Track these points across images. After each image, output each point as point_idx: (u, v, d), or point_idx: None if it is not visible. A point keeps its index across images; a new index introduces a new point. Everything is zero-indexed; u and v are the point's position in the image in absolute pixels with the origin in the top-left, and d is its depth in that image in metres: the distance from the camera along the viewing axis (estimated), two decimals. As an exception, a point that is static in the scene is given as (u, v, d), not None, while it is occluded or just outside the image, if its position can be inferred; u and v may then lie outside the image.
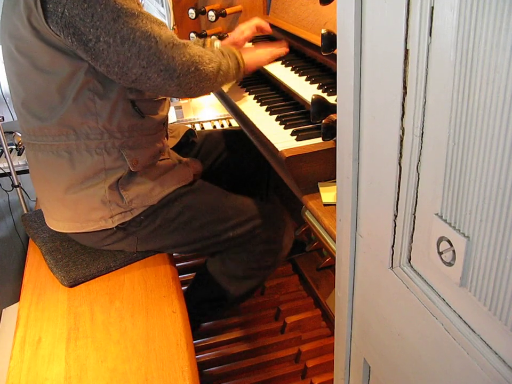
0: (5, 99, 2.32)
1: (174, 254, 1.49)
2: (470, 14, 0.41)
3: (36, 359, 1.07)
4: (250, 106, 1.32)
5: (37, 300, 1.24)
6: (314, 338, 1.67)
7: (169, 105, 1.39)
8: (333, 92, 1.16)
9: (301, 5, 1.43)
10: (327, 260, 1.85)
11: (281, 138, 1.09)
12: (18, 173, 1.88)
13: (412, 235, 0.59)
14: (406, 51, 0.51)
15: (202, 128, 2.12)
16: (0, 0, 1.17)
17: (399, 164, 0.57)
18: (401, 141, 0.55)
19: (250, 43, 1.58)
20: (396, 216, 0.60)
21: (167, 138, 1.44)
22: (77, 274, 1.27)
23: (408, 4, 0.48)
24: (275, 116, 1.21)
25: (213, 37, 1.71)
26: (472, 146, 0.44)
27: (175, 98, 2.43)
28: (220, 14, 1.69)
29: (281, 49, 1.46)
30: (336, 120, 0.72)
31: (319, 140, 1.04)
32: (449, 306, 0.54)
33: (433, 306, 0.56)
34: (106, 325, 1.14)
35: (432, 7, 0.46)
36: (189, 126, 1.65)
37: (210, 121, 2.18)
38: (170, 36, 1.11)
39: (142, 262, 1.34)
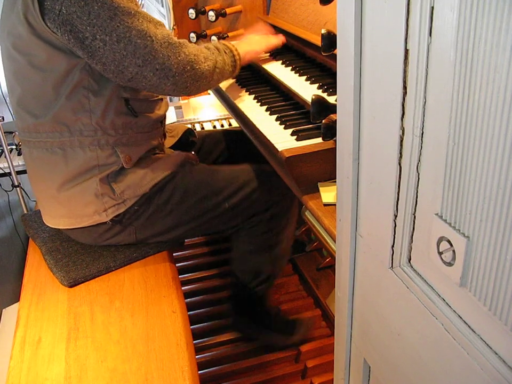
0: (5, 99, 2.32)
1: (174, 254, 1.49)
2: (470, 14, 0.41)
3: (36, 359, 1.07)
4: (250, 106, 1.32)
5: (37, 299, 1.24)
6: (314, 338, 1.67)
7: (167, 105, 1.39)
8: (333, 92, 1.16)
9: (301, 5, 1.43)
10: (327, 260, 1.85)
11: (281, 138, 1.09)
12: (18, 173, 1.88)
13: (412, 235, 0.59)
14: (406, 51, 0.51)
15: (202, 128, 2.12)
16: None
17: (399, 164, 0.57)
18: (401, 141, 0.55)
19: None
20: (396, 216, 0.60)
21: (165, 137, 1.44)
22: (76, 274, 1.27)
23: (408, 4, 0.48)
24: (275, 116, 1.21)
25: (213, 37, 1.72)
26: (472, 146, 0.44)
27: (175, 98, 2.44)
28: (219, 14, 1.69)
29: (278, 38, 1.45)
30: (336, 120, 0.72)
31: (319, 140, 1.04)
32: (449, 306, 0.54)
33: (433, 306, 0.56)
34: (106, 325, 1.14)
35: (432, 7, 0.46)
36: (189, 126, 1.65)
37: (210, 121, 2.18)
38: (167, 35, 1.11)
39: (142, 262, 1.34)
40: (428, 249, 0.55)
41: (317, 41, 1.26)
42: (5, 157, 1.81)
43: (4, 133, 1.77)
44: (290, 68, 1.38)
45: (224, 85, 1.47)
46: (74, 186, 1.22)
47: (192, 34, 1.78)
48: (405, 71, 0.51)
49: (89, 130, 1.17)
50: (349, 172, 0.68)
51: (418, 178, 0.55)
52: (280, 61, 1.44)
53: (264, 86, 1.44)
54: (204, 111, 2.26)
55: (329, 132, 0.93)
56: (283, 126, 1.15)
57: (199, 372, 1.43)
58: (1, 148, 1.89)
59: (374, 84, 0.58)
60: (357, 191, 0.68)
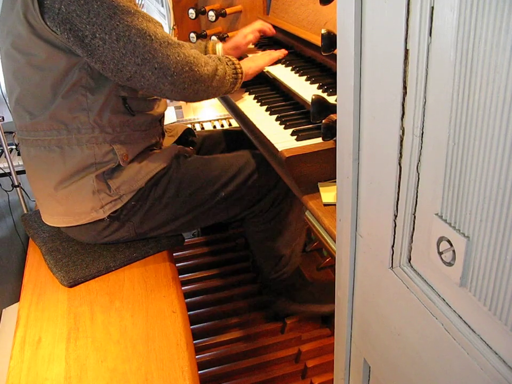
0: (5, 99, 2.32)
1: (174, 254, 1.49)
2: (470, 14, 0.41)
3: (36, 359, 1.07)
4: (250, 106, 1.32)
5: (37, 299, 1.24)
6: (314, 338, 1.67)
7: (166, 103, 1.39)
8: (333, 92, 1.16)
9: (301, 5, 1.43)
10: (327, 260, 1.85)
11: (281, 138, 1.09)
12: (18, 173, 1.88)
13: (412, 235, 0.59)
14: (406, 51, 0.51)
15: (202, 128, 2.12)
16: (0, -1, 1.17)
17: (399, 164, 0.57)
18: (401, 141, 0.55)
19: (260, 50, 1.57)
20: (396, 216, 0.60)
21: (163, 136, 1.44)
22: (76, 274, 1.27)
23: (408, 4, 0.48)
24: (275, 116, 1.21)
25: (213, 37, 1.72)
26: (472, 146, 0.44)
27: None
28: (219, 14, 1.69)
29: (280, 52, 1.46)
30: (336, 120, 0.72)
31: (319, 140, 1.04)
32: (449, 306, 0.54)
33: (433, 306, 0.56)
34: (106, 325, 1.14)
35: (432, 7, 0.46)
36: (189, 125, 1.65)
37: (210, 121, 2.18)
38: (166, 35, 1.12)
39: (142, 262, 1.34)
40: (428, 249, 0.55)
41: (317, 41, 1.26)
42: (5, 157, 1.81)
43: (4, 133, 1.77)
44: (290, 68, 1.38)
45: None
46: (71, 184, 1.22)
47: (192, 34, 1.78)
48: (405, 71, 0.51)
49: (87, 128, 1.18)
50: (349, 172, 0.68)
51: (418, 178, 0.55)
52: (280, 61, 1.44)
53: (264, 86, 1.44)
54: (204, 111, 2.27)
55: (329, 132, 0.93)
56: (283, 126, 1.15)
57: (199, 372, 1.43)
58: (1, 148, 1.89)
59: (374, 84, 0.58)
60: (357, 191, 0.68)
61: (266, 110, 1.27)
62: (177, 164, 1.34)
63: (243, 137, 1.55)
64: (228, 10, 1.69)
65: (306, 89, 1.23)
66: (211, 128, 2.12)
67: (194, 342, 1.25)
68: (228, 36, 1.70)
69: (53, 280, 1.29)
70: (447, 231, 0.50)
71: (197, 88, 1.19)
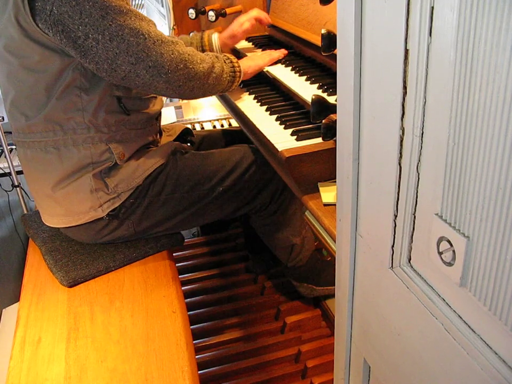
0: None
1: (174, 254, 1.48)
2: (470, 14, 0.41)
3: (36, 359, 1.07)
4: (250, 106, 1.32)
5: (36, 299, 1.24)
6: (314, 338, 1.67)
7: (162, 101, 1.39)
8: (333, 92, 1.16)
9: (301, 5, 1.43)
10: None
11: (281, 138, 1.09)
12: (18, 173, 1.88)
13: (412, 235, 0.59)
14: (406, 51, 0.51)
15: (202, 128, 2.12)
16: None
17: (399, 164, 0.57)
18: (401, 141, 0.55)
19: (260, 49, 1.57)
20: (395, 216, 0.60)
21: (161, 134, 1.44)
22: (76, 274, 1.27)
23: (408, 4, 0.48)
24: (275, 116, 1.21)
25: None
26: (472, 146, 0.44)
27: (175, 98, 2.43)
28: (219, 14, 1.69)
29: (280, 52, 1.46)
30: (336, 120, 0.72)
31: (319, 140, 1.04)
32: (449, 306, 0.54)
33: (433, 306, 0.56)
34: (106, 325, 1.14)
35: (432, 7, 0.46)
36: (189, 126, 1.65)
37: (210, 121, 2.18)
38: (159, 33, 1.12)
39: (142, 262, 1.34)
40: (428, 249, 0.55)
41: (317, 41, 1.26)
42: (5, 157, 1.81)
43: (4, 133, 1.77)
44: (290, 67, 1.38)
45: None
46: (69, 184, 1.22)
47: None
48: (405, 71, 0.51)
49: (82, 128, 1.18)
50: (349, 172, 0.68)
51: (418, 178, 0.55)
52: (280, 61, 1.44)
53: (264, 86, 1.44)
54: (204, 111, 2.27)
55: (329, 132, 0.93)
56: (283, 126, 1.15)
57: (199, 372, 1.43)
58: (1, 148, 1.89)
59: (374, 84, 0.58)
60: (357, 191, 0.68)
61: (266, 110, 1.27)
62: (175, 160, 1.35)
63: (242, 136, 1.55)
64: (228, 10, 1.69)
65: (306, 89, 1.23)
66: (211, 128, 2.12)
67: (194, 342, 1.25)
68: (227, 36, 1.70)
69: (53, 280, 1.29)
70: (447, 231, 0.50)
71: (192, 86, 1.19)
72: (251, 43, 1.65)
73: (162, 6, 2.28)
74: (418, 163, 0.54)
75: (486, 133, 0.42)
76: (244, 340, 1.67)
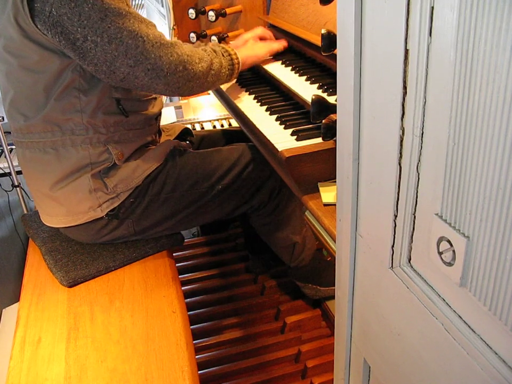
0: (5, 99, 2.32)
1: (174, 254, 1.48)
2: (470, 14, 0.41)
3: (36, 359, 1.08)
4: (250, 106, 1.32)
5: (36, 299, 1.24)
6: (314, 338, 1.67)
7: (162, 102, 1.40)
8: (333, 92, 1.16)
9: (301, 5, 1.43)
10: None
11: (281, 138, 1.09)
12: (18, 173, 1.88)
13: (412, 235, 0.59)
14: (406, 51, 0.51)
15: (202, 128, 2.12)
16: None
17: (399, 164, 0.57)
18: (401, 141, 0.55)
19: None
20: (396, 216, 0.60)
21: (160, 134, 1.44)
22: (76, 274, 1.27)
23: (408, 4, 0.48)
24: (275, 116, 1.21)
25: (213, 37, 1.72)
26: (472, 146, 0.44)
27: (175, 98, 2.44)
28: (219, 14, 1.69)
29: (280, 43, 1.46)
30: (336, 120, 0.72)
31: (319, 140, 1.03)
32: (449, 306, 0.54)
33: (433, 306, 0.56)
34: (106, 325, 1.14)
35: (432, 7, 0.46)
36: (189, 126, 1.65)
37: (210, 121, 2.18)
38: (158, 35, 1.12)
39: (142, 262, 1.34)
40: (428, 249, 0.55)
41: (317, 41, 1.26)
42: (5, 157, 1.81)
43: (4, 133, 1.77)
44: (290, 67, 1.38)
45: (224, 85, 1.47)
46: (68, 184, 1.22)
47: (192, 34, 1.78)
48: (405, 71, 0.51)
49: (81, 129, 1.18)
50: (349, 172, 0.68)
51: (418, 178, 0.55)
52: (280, 61, 1.44)
53: (264, 86, 1.44)
54: (204, 111, 2.26)
55: (329, 131, 0.93)
56: (283, 126, 1.15)
57: (199, 372, 1.43)
58: (1, 148, 1.89)
59: (374, 84, 0.58)
60: (357, 191, 0.68)
61: (266, 110, 1.27)
62: (173, 159, 1.35)
63: (242, 136, 1.55)
64: (228, 10, 1.69)
65: (306, 89, 1.23)
66: (211, 128, 2.11)
67: (194, 342, 1.25)
68: (228, 36, 1.70)
69: (53, 280, 1.29)
70: (447, 231, 0.50)
71: (191, 86, 1.20)
72: None
73: (162, 6, 2.28)
74: (418, 163, 0.54)
75: (486, 133, 0.42)
76: (244, 340, 1.67)
